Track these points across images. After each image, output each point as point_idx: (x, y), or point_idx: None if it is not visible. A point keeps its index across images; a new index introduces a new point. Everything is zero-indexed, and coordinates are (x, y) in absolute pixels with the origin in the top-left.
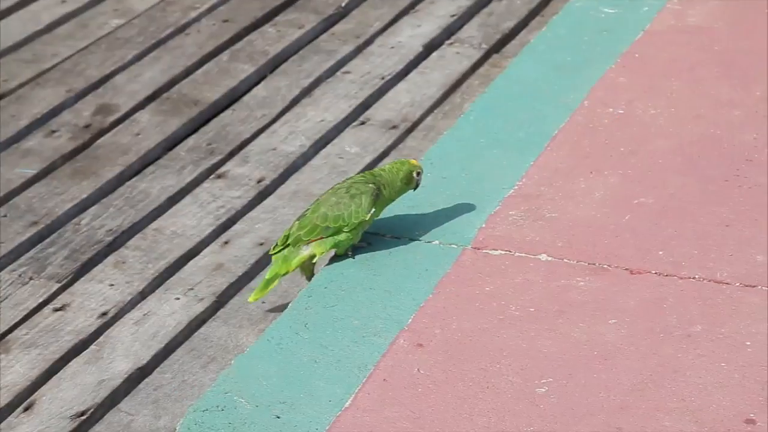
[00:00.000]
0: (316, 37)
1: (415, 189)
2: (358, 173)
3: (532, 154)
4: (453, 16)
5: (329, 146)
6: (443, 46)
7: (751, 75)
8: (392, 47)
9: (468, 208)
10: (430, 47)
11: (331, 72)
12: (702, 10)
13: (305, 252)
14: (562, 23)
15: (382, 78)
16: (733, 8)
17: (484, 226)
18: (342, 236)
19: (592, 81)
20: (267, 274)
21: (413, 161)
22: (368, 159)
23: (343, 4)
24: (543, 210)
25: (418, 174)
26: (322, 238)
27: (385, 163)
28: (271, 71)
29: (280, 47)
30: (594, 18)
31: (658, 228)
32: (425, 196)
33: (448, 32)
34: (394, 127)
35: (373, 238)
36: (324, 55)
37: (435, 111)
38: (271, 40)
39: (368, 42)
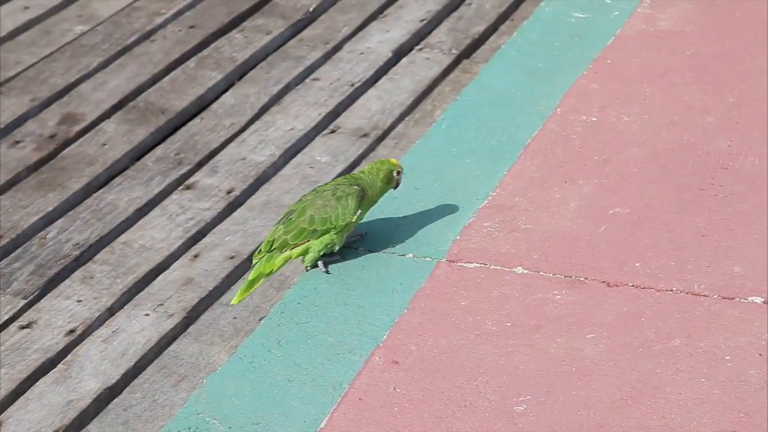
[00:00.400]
0: (284, 43)
1: (395, 188)
2: (339, 176)
3: (506, 164)
4: (422, 20)
5: (299, 155)
6: (413, 52)
7: (723, 80)
8: (361, 53)
9: (442, 219)
10: (400, 53)
11: (300, 79)
12: (673, 14)
13: (285, 255)
14: (532, 28)
15: (352, 85)
16: (703, 12)
17: (458, 238)
18: (327, 238)
19: (565, 87)
20: (250, 275)
21: (392, 160)
22: (339, 168)
23: (310, 9)
24: (518, 221)
25: (398, 173)
26: (308, 240)
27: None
28: (239, 78)
29: (248, 53)
30: (564, 23)
31: (634, 239)
32: (398, 208)
33: (418, 37)
34: (365, 135)
35: (345, 251)
36: (292, 61)
37: (406, 118)
38: (238, 46)
39: (337, 48)
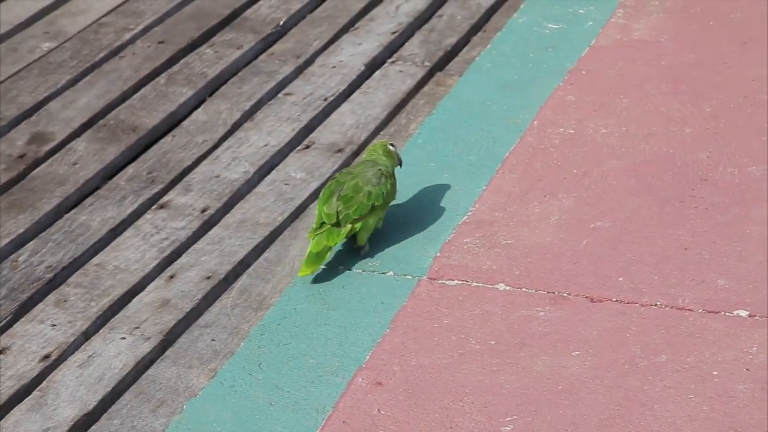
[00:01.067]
0: (255, 57)
1: (400, 165)
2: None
3: (484, 178)
4: (394, 33)
5: (274, 172)
6: (386, 65)
7: (700, 90)
8: (333, 67)
9: (421, 236)
10: (373, 66)
11: (273, 94)
12: (647, 24)
13: (348, 228)
14: (506, 40)
15: (325, 99)
16: (677, 22)
17: (439, 255)
18: (381, 213)
19: (541, 100)
20: (311, 248)
21: (380, 141)
22: (315, 185)
23: (281, 23)
24: (498, 237)
25: (392, 146)
26: (366, 215)
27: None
28: (211, 94)
29: (219, 69)
30: (538, 34)
31: (616, 253)
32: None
33: (390, 50)
34: (340, 150)
35: (324, 270)
36: (264, 76)
37: (381, 132)
38: (209, 61)
39: (309, 62)
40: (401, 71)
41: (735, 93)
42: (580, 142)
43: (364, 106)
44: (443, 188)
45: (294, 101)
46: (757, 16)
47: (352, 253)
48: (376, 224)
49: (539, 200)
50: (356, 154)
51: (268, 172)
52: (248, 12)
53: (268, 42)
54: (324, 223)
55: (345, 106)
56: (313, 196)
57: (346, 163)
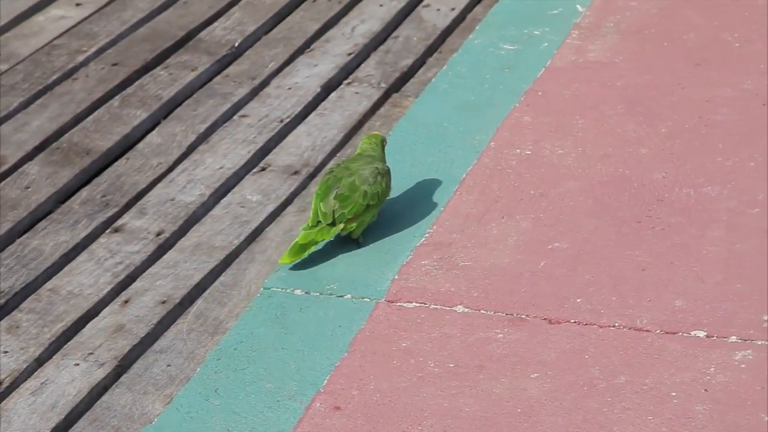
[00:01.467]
0: (210, 79)
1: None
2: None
3: (442, 200)
4: (350, 54)
5: (230, 195)
6: (341, 86)
7: (655, 111)
8: (289, 88)
9: (379, 258)
10: (329, 88)
11: (228, 116)
12: (602, 45)
13: (341, 227)
14: (462, 61)
15: (281, 121)
16: (632, 43)
17: (396, 277)
18: (375, 211)
19: (497, 121)
20: (299, 239)
21: (374, 132)
22: (271, 207)
23: (236, 44)
24: (456, 258)
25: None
26: (361, 214)
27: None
28: (165, 116)
29: (174, 91)
30: (494, 55)
31: (574, 274)
32: (334, 247)
33: (346, 71)
34: (296, 172)
35: (281, 294)
36: (219, 98)
37: (337, 154)
38: (163, 83)
39: (264, 83)
40: (357, 93)
41: (690, 114)
42: (536, 163)
43: (321, 128)
44: (400, 210)
45: (250, 123)
46: (711, 38)
47: (309, 275)
48: (371, 220)
49: (497, 221)
50: (313, 176)
51: (224, 194)
52: (203, 34)
53: (223, 64)
54: (320, 221)
55: (301, 128)
56: (270, 218)
57: (303, 186)
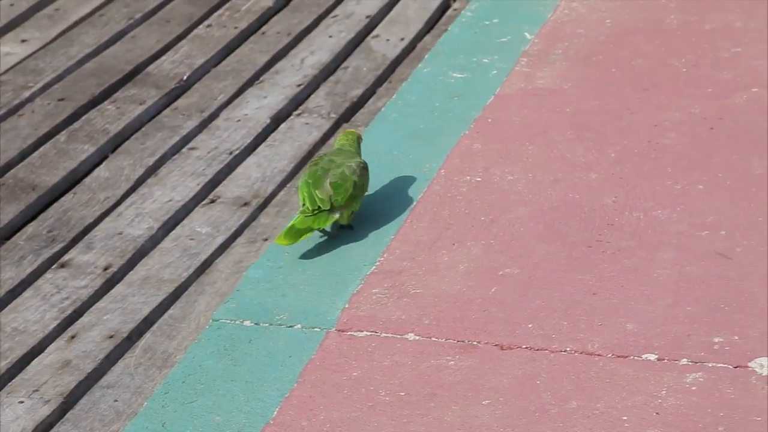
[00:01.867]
0: (159, 112)
1: None
2: (327, 153)
3: (393, 228)
4: (299, 85)
5: (179, 227)
6: (291, 117)
7: (604, 136)
8: (239, 120)
9: (329, 287)
10: (278, 119)
11: (177, 148)
12: (550, 72)
13: (335, 215)
14: (411, 90)
15: (230, 153)
16: (580, 69)
17: (347, 306)
18: (358, 202)
19: (448, 148)
20: (296, 223)
21: (350, 131)
22: (220, 239)
23: (184, 78)
24: (407, 286)
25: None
26: (351, 204)
27: (316, 156)
28: (113, 150)
29: (122, 125)
30: (443, 83)
31: (525, 299)
32: (284, 278)
33: (296, 102)
34: (246, 204)
35: (230, 325)
36: (168, 131)
37: (287, 185)
38: (111, 117)
39: (213, 116)
40: (307, 123)
41: (639, 138)
42: (487, 189)
43: (270, 159)
44: (351, 238)
45: (199, 156)
46: (659, 63)
47: (259, 305)
48: (356, 209)
49: (447, 248)
50: (263, 207)
51: (173, 227)
52: (151, 67)
53: (171, 97)
54: (319, 207)
55: (251, 160)
56: (219, 250)
57: (253, 217)
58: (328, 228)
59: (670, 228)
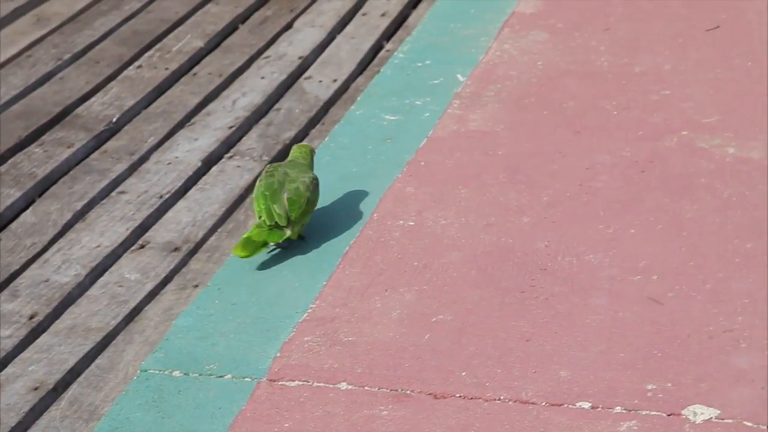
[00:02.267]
0: (87, 155)
1: None
2: (284, 162)
3: (325, 274)
4: (231, 127)
5: (107, 274)
6: (223, 160)
7: (536, 179)
8: (169, 163)
9: (261, 336)
10: (209, 162)
11: (106, 192)
12: (482, 114)
13: (289, 231)
14: (344, 132)
15: (161, 197)
16: (512, 112)
17: (278, 355)
18: (308, 217)
19: (380, 192)
20: (253, 236)
21: (304, 144)
22: (150, 286)
23: (114, 120)
24: (339, 334)
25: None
26: (301, 219)
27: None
28: (40, 195)
29: (49, 168)
30: (376, 126)
31: (459, 347)
32: (214, 326)
33: (227, 145)
34: (176, 249)
35: (159, 376)
36: (97, 174)
37: (219, 230)
38: (38, 161)
39: (143, 159)
40: (239, 166)
41: (571, 181)
42: (420, 234)
43: (201, 202)
44: (283, 285)
45: (128, 200)
46: (590, 106)
47: (188, 355)
48: (306, 223)
49: (380, 295)
50: (193, 252)
51: (101, 274)
52: (80, 109)
53: (100, 140)
54: (277, 223)
55: (181, 204)
56: (148, 297)
57: (183, 263)
58: (282, 242)
59: (602, 273)
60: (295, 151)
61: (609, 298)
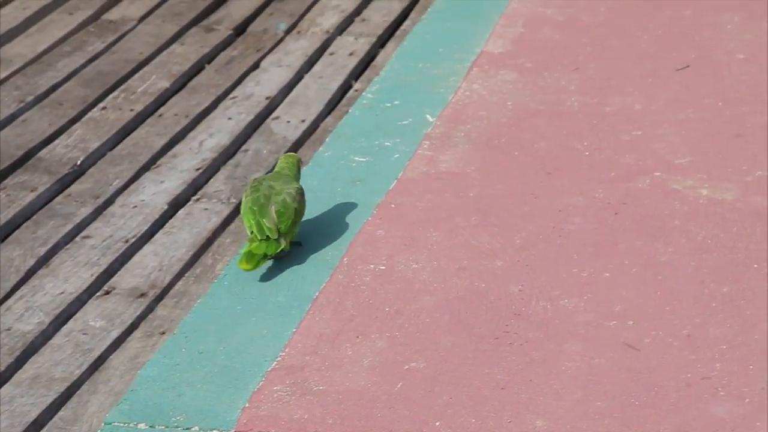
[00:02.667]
0: (51, 199)
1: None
2: (272, 171)
3: (294, 320)
4: (198, 169)
5: (71, 321)
6: (190, 203)
7: (508, 221)
8: (135, 206)
9: (229, 386)
10: (176, 204)
11: (70, 237)
12: (453, 155)
13: (282, 243)
14: (312, 174)
15: (126, 241)
16: (483, 153)
17: (247, 405)
18: (297, 228)
19: (350, 235)
20: (253, 249)
21: (290, 154)
22: (115, 333)
23: (78, 162)
24: (310, 383)
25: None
26: (290, 231)
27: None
28: (2, 241)
29: (11, 213)
30: (345, 167)
31: (432, 395)
32: (181, 376)
33: (194, 187)
34: (143, 294)
35: (124, 428)
36: (60, 219)
37: (186, 274)
38: (0, 205)
39: (108, 202)
40: (206, 209)
41: (543, 224)
42: (391, 278)
43: (168, 246)
44: (251, 333)
45: (93, 244)
46: (561, 146)
47: (154, 406)
48: (295, 234)
49: (352, 342)
50: (160, 298)
51: (65, 321)
52: (43, 152)
53: (64, 183)
54: (268, 237)
55: (147, 248)
56: (114, 345)
57: (150, 309)
58: (278, 252)
59: (577, 318)
60: (281, 161)
61: (584, 344)
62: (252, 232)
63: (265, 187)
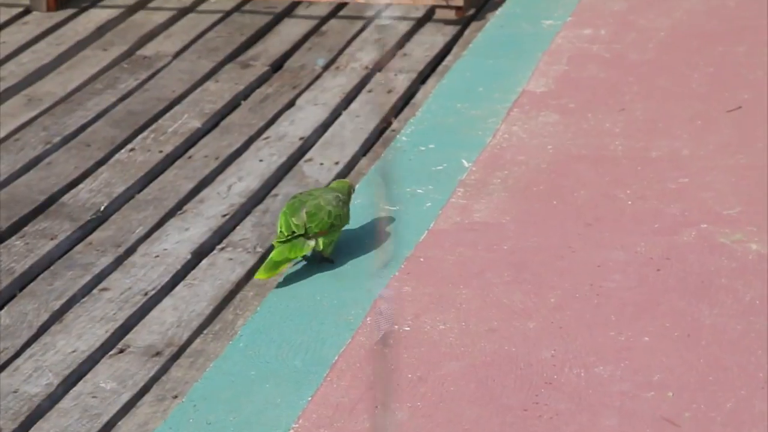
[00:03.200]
0: (71, 247)
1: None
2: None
3: (310, 388)
4: (224, 216)
5: (81, 383)
6: (214, 252)
7: (543, 278)
8: (157, 256)
9: None
10: (200, 254)
11: (87, 290)
12: (488, 204)
13: (311, 243)
14: None
15: (145, 294)
16: (519, 202)
17: None
18: (336, 233)
19: (375, 293)
20: (273, 256)
21: (343, 180)
22: (126, 396)
23: (101, 208)
24: None
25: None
26: (324, 232)
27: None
28: (19, 292)
29: (29, 263)
30: (374, 216)
31: None
32: None
33: (220, 235)
34: (158, 353)
35: None
36: (79, 269)
37: (204, 332)
38: (18, 255)
39: (130, 251)
40: (231, 259)
41: (580, 281)
42: (416, 341)
43: (188, 300)
44: (263, 401)
45: (110, 297)
46: (602, 195)
47: None
48: (337, 239)
49: (370, 413)
50: (176, 357)
51: (75, 383)
52: (66, 197)
53: (86, 230)
54: (294, 232)
55: (167, 302)
56: (123, 410)
57: (164, 369)
58: (308, 254)
59: (613, 388)
60: (333, 184)
61: (619, 418)
62: (280, 231)
63: (304, 195)
